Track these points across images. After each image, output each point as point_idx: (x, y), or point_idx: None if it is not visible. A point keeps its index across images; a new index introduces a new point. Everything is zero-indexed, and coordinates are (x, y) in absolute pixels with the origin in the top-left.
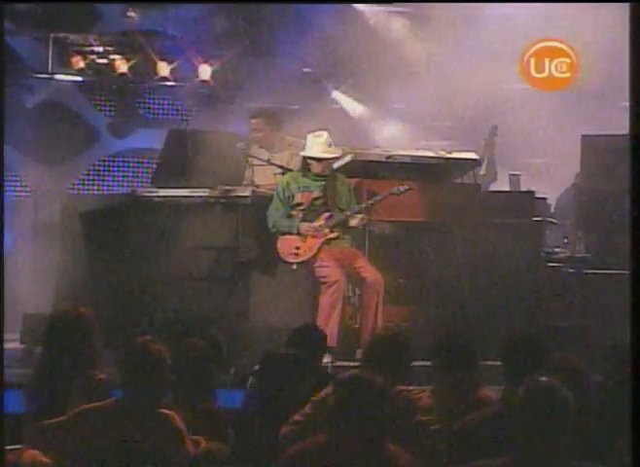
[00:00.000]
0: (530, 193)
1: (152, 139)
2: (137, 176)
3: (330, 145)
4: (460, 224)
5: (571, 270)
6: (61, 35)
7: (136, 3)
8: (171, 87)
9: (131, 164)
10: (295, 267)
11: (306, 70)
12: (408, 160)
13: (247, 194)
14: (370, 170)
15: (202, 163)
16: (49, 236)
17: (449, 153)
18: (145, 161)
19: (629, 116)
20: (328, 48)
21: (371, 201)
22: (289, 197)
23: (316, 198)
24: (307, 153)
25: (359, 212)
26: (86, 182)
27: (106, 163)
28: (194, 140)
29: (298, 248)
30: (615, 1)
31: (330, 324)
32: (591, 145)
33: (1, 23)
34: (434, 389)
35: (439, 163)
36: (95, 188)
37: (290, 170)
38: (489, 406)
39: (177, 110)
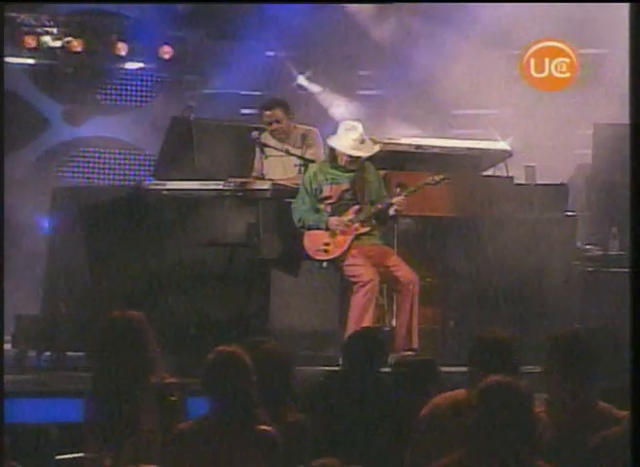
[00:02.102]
0: (563, 186)
1: (110, 127)
2: (95, 167)
3: (363, 141)
4: (491, 219)
5: (605, 270)
6: (12, 14)
7: (136, 3)
8: (130, 71)
9: (89, 154)
10: (324, 264)
11: (270, 54)
12: (437, 150)
13: (267, 187)
14: (398, 161)
15: (209, 155)
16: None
17: (479, 143)
18: (103, 150)
19: (629, 118)
20: (294, 31)
21: (405, 192)
22: (316, 190)
23: (346, 191)
24: (338, 147)
25: (391, 205)
26: (33, 174)
27: (58, 153)
28: (199, 130)
29: (327, 245)
30: (615, 1)
31: None
32: (603, 134)
33: (1, 23)
34: (549, 399)
35: (469, 154)
36: (45, 180)
37: (312, 162)
38: (621, 421)
39: (136, 96)
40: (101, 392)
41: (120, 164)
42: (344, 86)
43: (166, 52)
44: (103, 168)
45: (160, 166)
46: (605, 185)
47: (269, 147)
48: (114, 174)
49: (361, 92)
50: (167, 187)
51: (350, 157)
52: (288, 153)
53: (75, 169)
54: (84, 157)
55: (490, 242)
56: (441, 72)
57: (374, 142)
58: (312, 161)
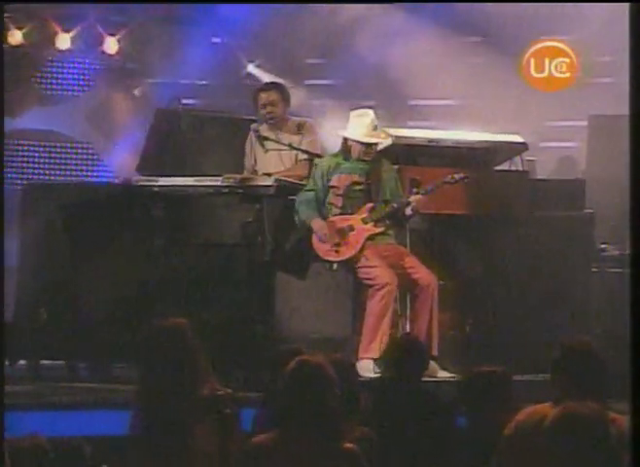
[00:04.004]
0: (580, 181)
1: (47, 118)
2: (33, 162)
3: (375, 128)
4: (506, 217)
5: (622, 271)
6: None
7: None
8: (70, 59)
9: (26, 148)
10: (335, 266)
11: (216, 41)
12: (450, 143)
13: (270, 183)
14: (410, 155)
15: (199, 148)
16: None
17: (494, 135)
18: (42, 144)
19: (629, 119)
20: (243, 17)
21: (422, 191)
22: (325, 186)
23: (355, 183)
24: (350, 135)
25: (407, 204)
26: None
27: None
28: (187, 121)
29: (338, 245)
30: (615, 1)
31: (379, 334)
32: (599, 125)
33: (1, 24)
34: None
35: (483, 148)
36: None
37: (317, 156)
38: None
39: (75, 85)
40: (148, 405)
41: (57, 158)
42: (297, 74)
43: (108, 39)
44: (40, 162)
45: (145, 161)
46: (602, 180)
47: (270, 140)
48: (51, 168)
49: (311, 82)
50: (159, 183)
51: (364, 145)
52: (291, 147)
53: (10, 163)
54: (18, 150)
55: (505, 241)
56: (398, 61)
57: (388, 135)
58: (318, 156)
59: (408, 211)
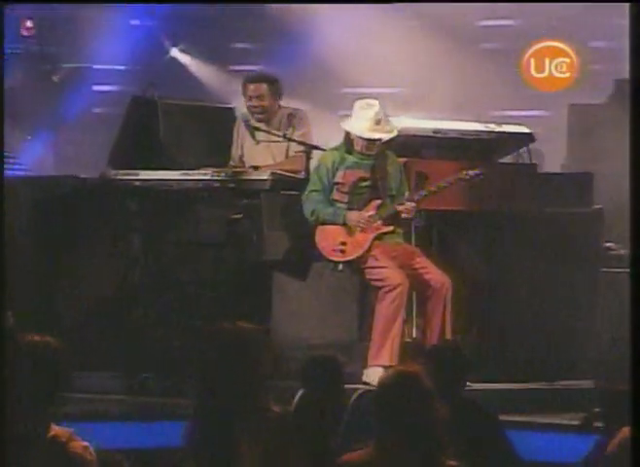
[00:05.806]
0: (588, 174)
1: None
2: None
3: (379, 121)
4: (512, 213)
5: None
6: None
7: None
8: None
9: None
10: (340, 267)
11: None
12: (456, 134)
13: (265, 177)
14: (415, 147)
15: (179, 139)
16: None
17: (500, 126)
18: None
19: (630, 119)
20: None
21: (433, 188)
22: (331, 182)
23: (361, 179)
24: (351, 129)
25: (412, 201)
26: None
27: None
28: (166, 111)
29: (344, 244)
30: (615, 1)
31: (389, 339)
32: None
33: (1, 24)
34: None
35: (489, 139)
36: None
37: (314, 148)
38: None
39: None
40: (204, 416)
41: None
42: (224, 59)
43: (24, 21)
44: None
45: (118, 154)
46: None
47: (262, 131)
48: None
49: (237, 68)
50: (140, 177)
51: (367, 140)
52: (287, 138)
53: None
54: None
55: (512, 239)
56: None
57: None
58: (316, 148)
59: (410, 206)
